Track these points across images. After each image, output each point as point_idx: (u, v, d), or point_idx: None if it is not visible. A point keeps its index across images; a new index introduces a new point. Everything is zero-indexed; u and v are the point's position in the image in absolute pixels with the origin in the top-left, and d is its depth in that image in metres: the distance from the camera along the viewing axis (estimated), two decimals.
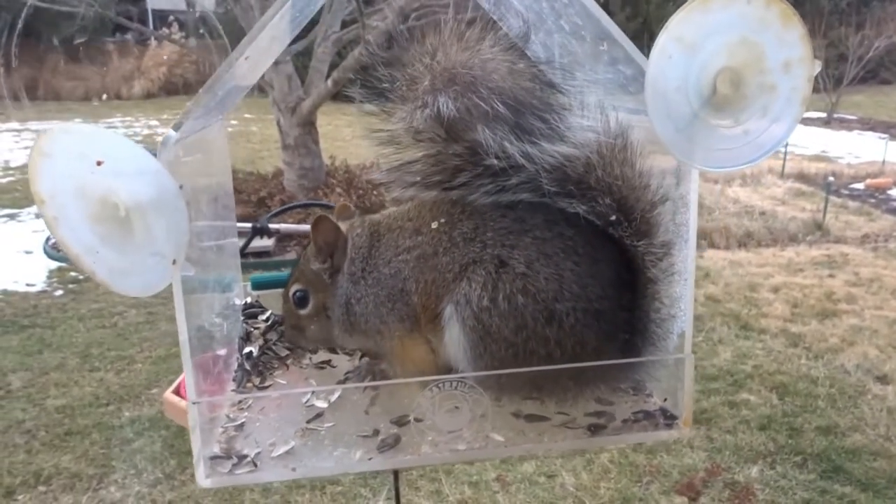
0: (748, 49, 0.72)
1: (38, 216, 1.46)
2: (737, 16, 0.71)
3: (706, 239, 7.78)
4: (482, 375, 1.03)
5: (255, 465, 1.00)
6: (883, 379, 4.72)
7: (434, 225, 1.09)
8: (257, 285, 1.59)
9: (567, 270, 1.02)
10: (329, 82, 8.08)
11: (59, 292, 6.33)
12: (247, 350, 1.36)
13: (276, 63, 8.07)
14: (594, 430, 1.05)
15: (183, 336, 0.96)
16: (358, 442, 1.04)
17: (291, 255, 6.83)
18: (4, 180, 11.32)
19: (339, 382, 1.24)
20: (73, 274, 6.54)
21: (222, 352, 1.28)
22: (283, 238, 6.37)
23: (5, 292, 6.32)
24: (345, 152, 12.33)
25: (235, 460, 1.01)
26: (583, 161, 1.03)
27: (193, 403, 0.97)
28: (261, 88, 8.72)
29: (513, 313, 1.01)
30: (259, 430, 1.09)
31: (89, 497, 3.45)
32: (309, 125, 8.33)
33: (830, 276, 6.74)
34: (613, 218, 1.05)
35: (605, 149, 1.03)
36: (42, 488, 3.52)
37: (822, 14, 18.84)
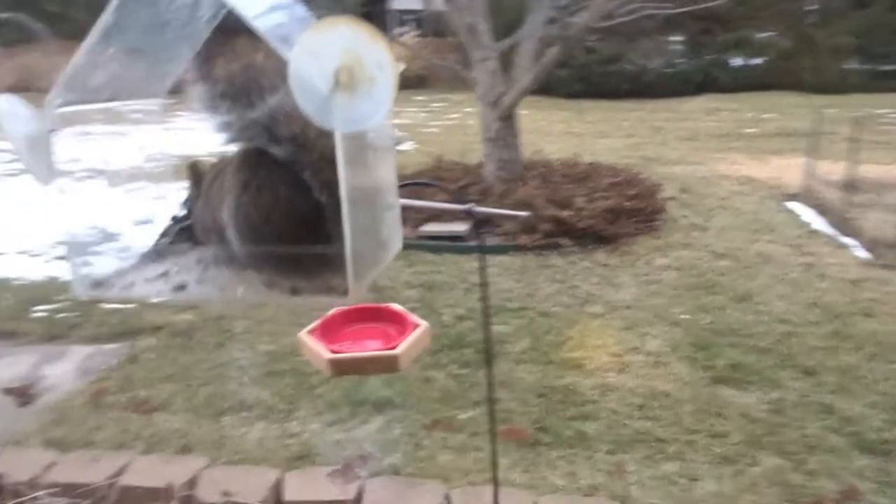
0: (352, 55, 1.12)
1: None
2: (339, 35, 1.11)
3: None
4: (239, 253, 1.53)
5: (107, 288, 1.53)
6: None
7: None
8: None
9: (281, 192, 1.52)
10: (528, 78, 8.36)
11: None
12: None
13: (484, 59, 8.54)
14: (293, 291, 1.48)
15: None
16: (166, 289, 1.54)
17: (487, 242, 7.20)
18: None
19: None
20: None
21: None
22: (482, 223, 6.23)
23: None
24: (552, 147, 12.56)
25: (99, 285, 1.55)
26: (269, 120, 1.48)
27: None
28: (470, 84, 9.27)
29: (247, 218, 1.52)
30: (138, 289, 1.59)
31: (276, 427, 4.14)
32: (508, 119, 8.68)
33: None
34: (294, 160, 1.51)
35: (280, 114, 1.46)
36: (244, 414, 4.30)
37: None
